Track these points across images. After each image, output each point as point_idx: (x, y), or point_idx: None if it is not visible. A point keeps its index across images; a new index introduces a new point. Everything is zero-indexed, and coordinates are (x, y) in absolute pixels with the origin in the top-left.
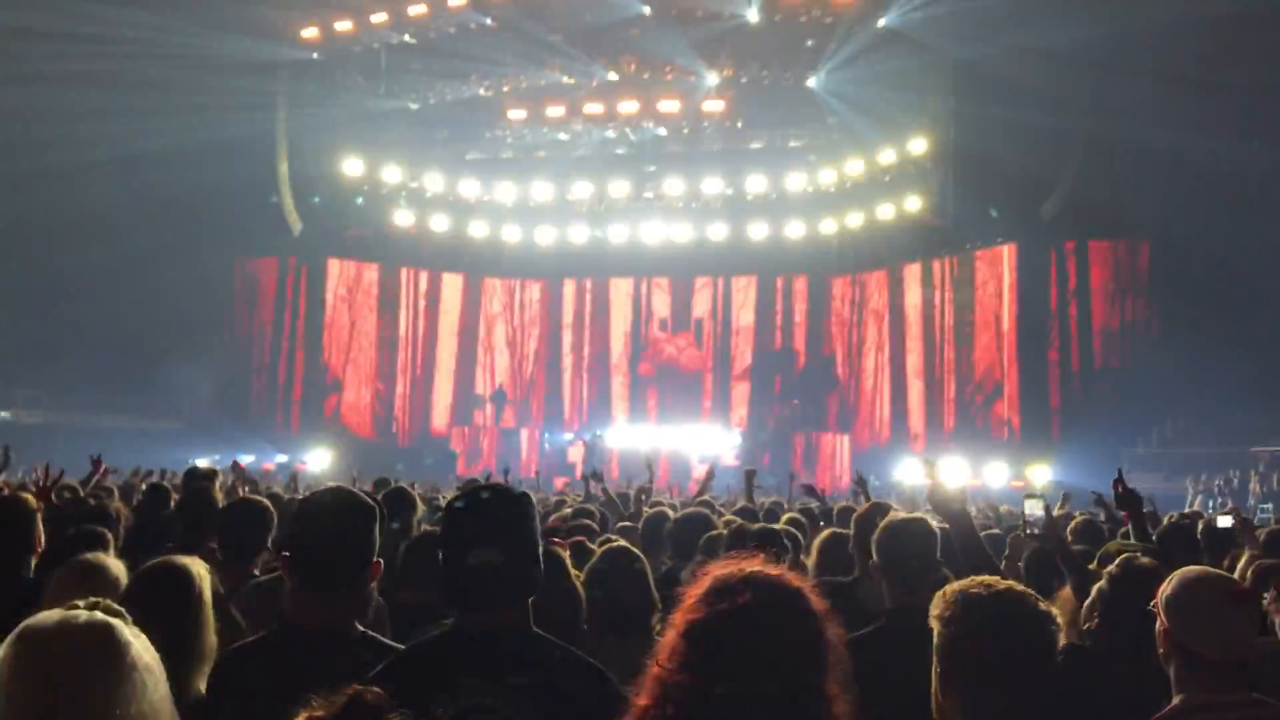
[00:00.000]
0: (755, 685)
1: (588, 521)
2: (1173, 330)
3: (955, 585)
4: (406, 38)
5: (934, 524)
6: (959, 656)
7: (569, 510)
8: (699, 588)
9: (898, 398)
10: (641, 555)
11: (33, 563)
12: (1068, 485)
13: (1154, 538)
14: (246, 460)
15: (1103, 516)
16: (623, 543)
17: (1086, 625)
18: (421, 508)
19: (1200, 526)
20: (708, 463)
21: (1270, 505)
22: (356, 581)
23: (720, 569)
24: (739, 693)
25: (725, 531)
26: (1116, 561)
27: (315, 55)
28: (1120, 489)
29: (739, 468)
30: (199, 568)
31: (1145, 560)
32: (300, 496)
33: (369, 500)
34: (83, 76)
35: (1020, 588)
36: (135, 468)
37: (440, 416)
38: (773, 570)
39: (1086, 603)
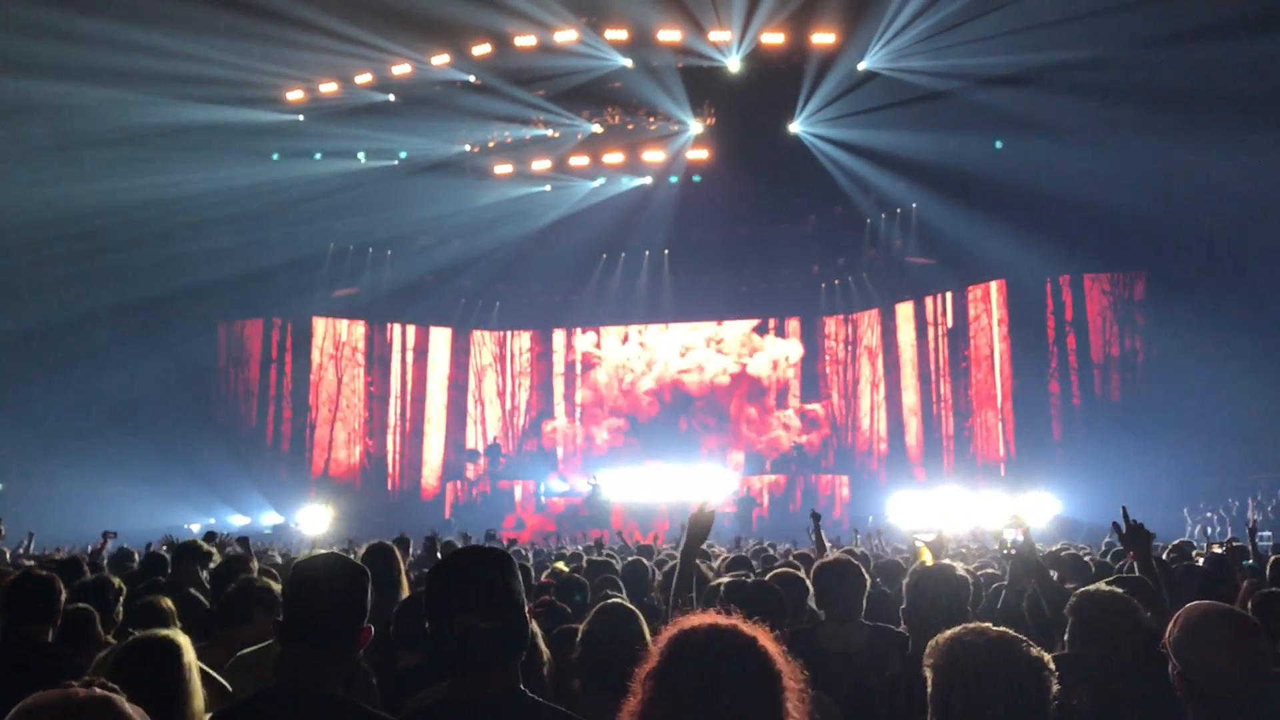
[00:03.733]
0: None
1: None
2: (1169, 360)
3: (949, 632)
4: (390, 97)
5: (962, 573)
6: (951, 704)
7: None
8: (658, 648)
9: (895, 435)
10: (638, 612)
11: (50, 632)
12: (1067, 519)
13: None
14: (242, 522)
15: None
16: (617, 600)
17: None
18: (403, 567)
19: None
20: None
21: (1269, 533)
22: (348, 646)
23: (678, 627)
24: None
25: (719, 583)
26: (1076, 594)
27: (300, 117)
28: (1126, 527)
29: (735, 514)
30: (183, 640)
31: (1104, 587)
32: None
33: (361, 565)
34: (61, 145)
35: (1013, 635)
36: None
37: (432, 471)
38: (733, 625)
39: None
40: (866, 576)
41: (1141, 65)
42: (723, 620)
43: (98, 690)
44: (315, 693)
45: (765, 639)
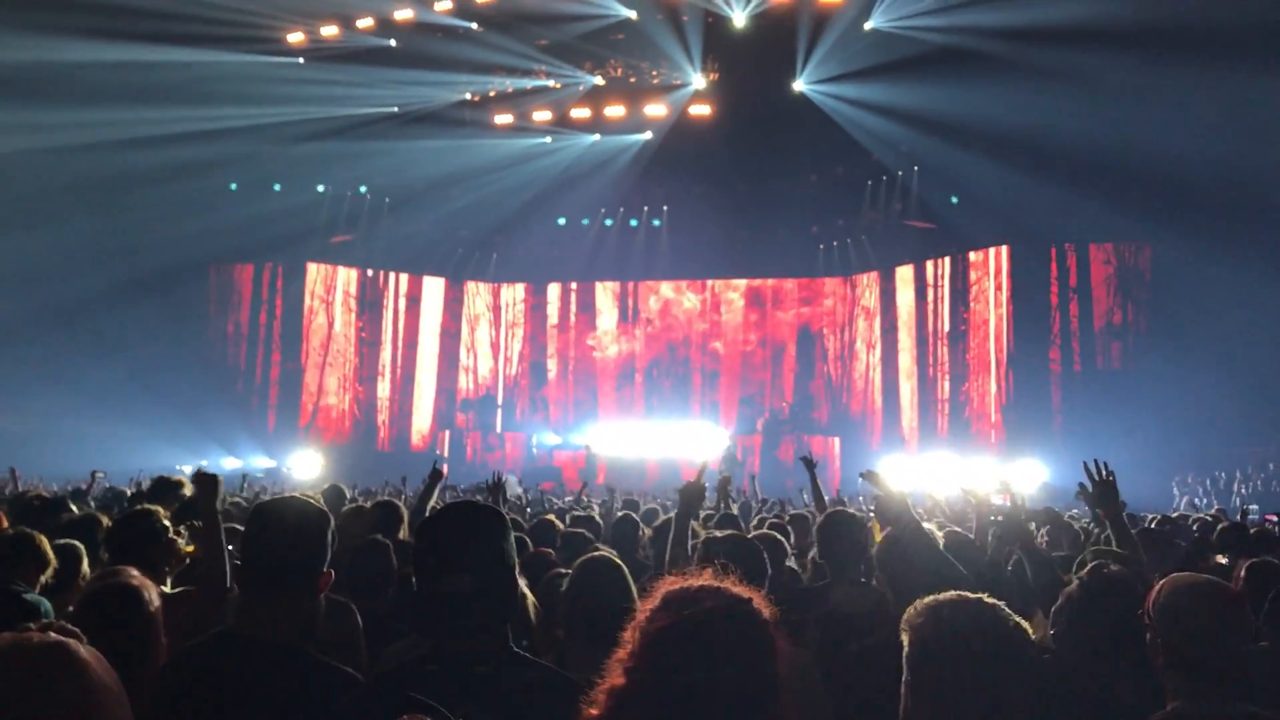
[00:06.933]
0: (704, 699)
1: (583, 530)
2: (1166, 331)
3: (929, 597)
4: (391, 42)
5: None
6: (927, 667)
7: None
8: (650, 603)
9: (889, 398)
10: (621, 565)
11: (41, 580)
12: (1055, 486)
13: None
14: (234, 465)
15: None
16: (604, 552)
17: (1052, 630)
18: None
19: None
20: (695, 468)
21: (1256, 506)
22: (305, 592)
23: (670, 584)
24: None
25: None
26: (1087, 569)
27: (300, 60)
28: (1093, 483)
29: (719, 471)
30: (148, 585)
31: (1116, 568)
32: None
33: (323, 509)
34: (58, 94)
35: (993, 601)
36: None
37: (423, 419)
38: (720, 583)
39: (1054, 607)
40: (871, 534)
41: (1158, 15)
42: (714, 580)
43: (53, 635)
44: (270, 640)
45: (757, 600)
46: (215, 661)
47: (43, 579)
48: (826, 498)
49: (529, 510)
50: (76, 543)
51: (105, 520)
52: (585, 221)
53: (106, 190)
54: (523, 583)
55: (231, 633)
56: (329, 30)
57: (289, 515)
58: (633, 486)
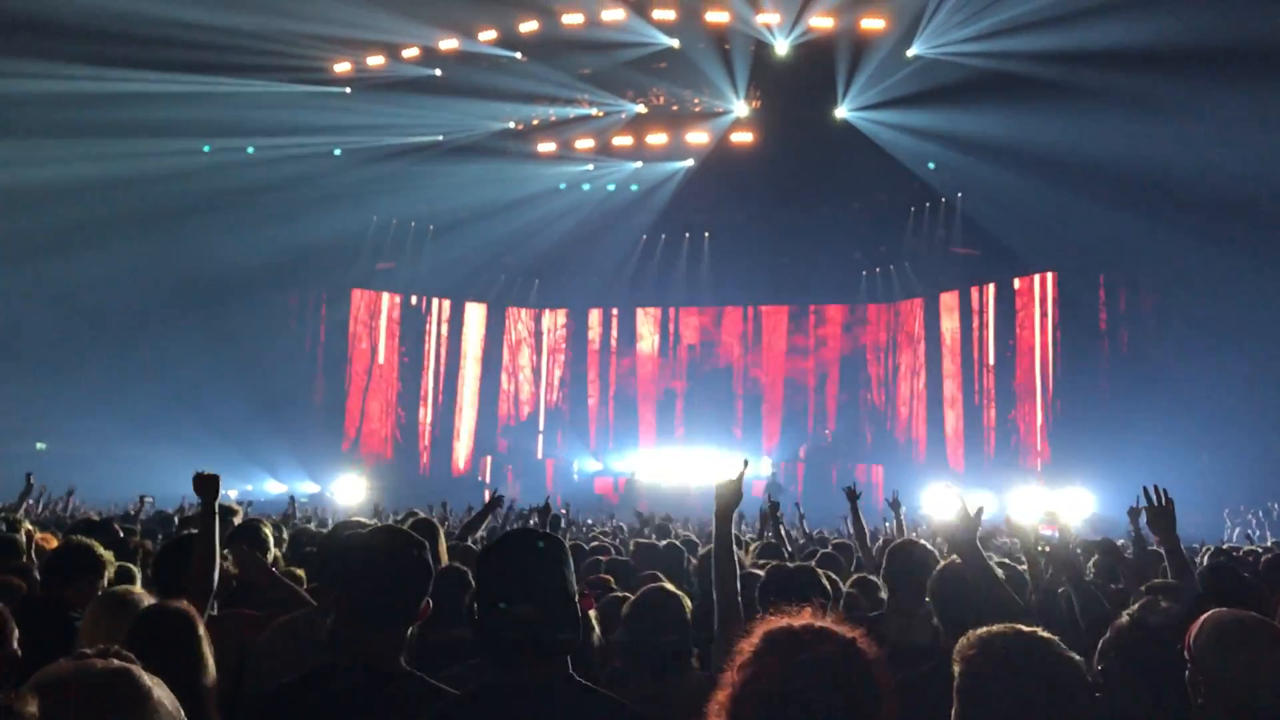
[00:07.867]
0: None
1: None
2: (1217, 358)
3: (982, 629)
4: (436, 72)
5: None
6: (978, 699)
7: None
8: (751, 644)
9: (934, 425)
10: (680, 595)
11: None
12: (1103, 517)
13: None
14: (279, 490)
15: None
16: (662, 583)
17: (1099, 666)
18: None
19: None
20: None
21: None
22: (408, 621)
23: (771, 625)
24: None
25: (759, 572)
26: (1137, 604)
27: (348, 90)
28: (1152, 508)
29: (763, 498)
30: (193, 610)
31: (1165, 604)
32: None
33: (421, 540)
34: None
35: (1045, 634)
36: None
37: (464, 444)
38: (825, 624)
39: (1102, 641)
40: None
41: (1208, 38)
42: (817, 620)
43: (115, 661)
44: (382, 667)
45: (861, 639)
46: (319, 690)
47: (102, 584)
48: (869, 527)
49: (566, 537)
50: (131, 565)
51: (134, 534)
52: (627, 249)
53: (157, 218)
54: (593, 617)
55: (343, 662)
56: (375, 60)
57: (393, 547)
58: (674, 514)
